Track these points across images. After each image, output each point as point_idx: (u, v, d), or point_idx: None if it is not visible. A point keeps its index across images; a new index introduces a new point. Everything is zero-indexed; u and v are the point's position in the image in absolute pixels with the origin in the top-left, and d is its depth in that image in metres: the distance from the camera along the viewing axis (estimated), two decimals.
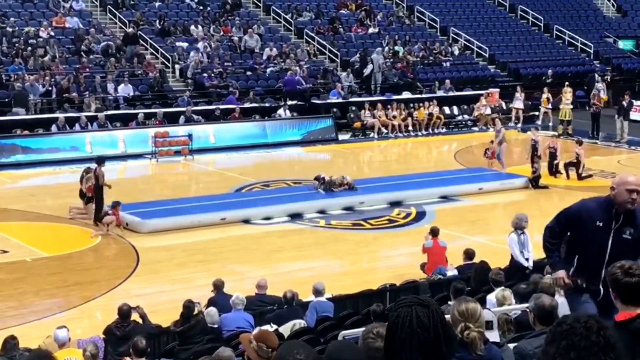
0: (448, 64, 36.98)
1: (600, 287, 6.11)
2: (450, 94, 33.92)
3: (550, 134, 24.33)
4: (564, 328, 3.17)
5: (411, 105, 32.19)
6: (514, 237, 13.18)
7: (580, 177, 23.89)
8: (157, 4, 35.27)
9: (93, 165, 19.57)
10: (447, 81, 34.57)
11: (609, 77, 38.17)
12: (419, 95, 33.66)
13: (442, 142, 31.07)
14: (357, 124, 31.01)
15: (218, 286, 12.54)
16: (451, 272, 13.91)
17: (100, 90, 28.94)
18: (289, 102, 30.78)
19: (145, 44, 32.55)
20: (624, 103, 30.97)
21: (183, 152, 26.42)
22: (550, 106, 33.34)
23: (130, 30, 32.54)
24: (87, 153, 25.42)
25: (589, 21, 44.27)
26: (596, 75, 35.99)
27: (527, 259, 13.09)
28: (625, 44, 42.82)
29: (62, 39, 31.44)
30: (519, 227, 13.25)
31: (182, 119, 28.35)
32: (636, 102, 34.73)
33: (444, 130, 32.21)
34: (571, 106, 31.62)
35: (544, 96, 33.71)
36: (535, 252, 13.45)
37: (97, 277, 15.49)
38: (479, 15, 41.94)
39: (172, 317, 11.54)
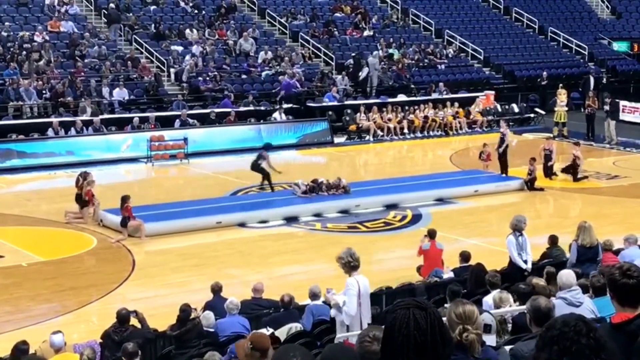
0: (443, 66, 37.04)
1: None
2: (445, 96, 33.94)
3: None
4: (554, 333, 3.16)
5: (406, 107, 32.21)
6: (512, 239, 13.12)
7: (575, 179, 23.93)
8: (152, 8, 35.25)
9: (89, 170, 19.53)
10: (441, 84, 34.61)
11: (604, 79, 38.26)
12: (414, 98, 33.69)
13: (437, 144, 31.09)
14: (353, 127, 31.03)
15: (215, 290, 12.52)
16: (447, 274, 13.91)
17: (95, 95, 28.91)
18: (285, 105, 30.79)
19: (140, 48, 32.54)
20: (606, 107, 31.03)
21: (178, 155, 26.40)
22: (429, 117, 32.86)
23: (111, 6, 32.82)
24: (82, 157, 25.48)
25: (583, 23, 44.36)
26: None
27: (525, 261, 13.04)
28: (619, 46, 42.92)
29: (57, 44, 31.42)
30: (517, 228, 13.19)
31: (177, 122, 28.34)
32: (630, 104, 34.84)
33: (439, 132, 32.23)
34: (566, 108, 31.66)
35: (423, 107, 32.55)
36: (533, 254, 13.47)
37: (93, 281, 15.47)
38: (473, 18, 41.99)
39: (168, 321, 11.51)
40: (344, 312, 9.16)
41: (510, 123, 33.72)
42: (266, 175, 22.15)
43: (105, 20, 33.40)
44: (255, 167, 22.15)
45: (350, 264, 9.24)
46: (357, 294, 9.11)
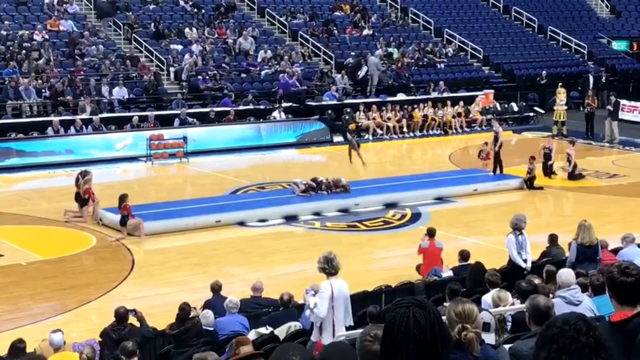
0: (442, 65, 37.03)
1: None
2: (445, 95, 33.92)
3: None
4: (554, 331, 3.17)
5: (406, 106, 32.20)
6: (511, 238, 13.11)
7: (570, 177, 23.91)
8: (151, 7, 35.25)
9: (89, 169, 19.52)
10: (441, 83, 34.60)
11: (603, 78, 38.27)
12: (413, 97, 33.69)
13: (436, 143, 31.08)
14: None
15: (215, 289, 12.53)
16: (446, 273, 13.92)
17: (94, 93, 28.90)
18: (284, 104, 30.78)
19: (139, 47, 32.53)
20: (609, 107, 30.98)
21: (178, 154, 26.40)
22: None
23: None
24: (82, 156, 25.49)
25: (582, 22, 44.35)
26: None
27: (525, 260, 13.03)
28: (619, 45, 42.91)
29: (56, 42, 31.41)
30: (517, 227, 13.18)
31: (176, 121, 28.34)
32: (630, 103, 34.85)
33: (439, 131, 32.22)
34: (565, 107, 31.66)
35: (422, 106, 32.30)
36: (533, 252, 13.46)
37: (93, 280, 15.46)
38: (473, 17, 41.98)
39: (168, 320, 11.52)
40: (314, 313, 9.38)
41: (509, 122, 33.80)
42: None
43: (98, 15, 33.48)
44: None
45: (325, 270, 9.41)
46: (330, 298, 9.28)
